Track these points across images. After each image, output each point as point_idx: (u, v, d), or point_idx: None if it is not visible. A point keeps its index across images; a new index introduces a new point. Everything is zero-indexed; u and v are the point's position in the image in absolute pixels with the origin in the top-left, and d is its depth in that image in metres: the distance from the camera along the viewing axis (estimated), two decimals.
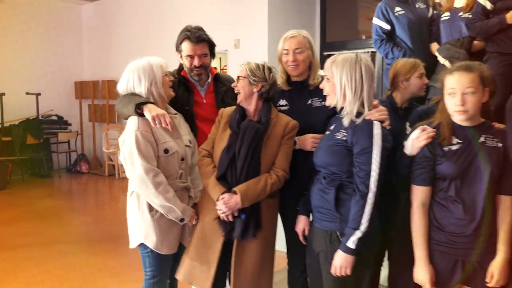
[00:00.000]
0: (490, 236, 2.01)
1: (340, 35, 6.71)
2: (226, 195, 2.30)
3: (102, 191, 7.70)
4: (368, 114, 2.10)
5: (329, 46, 6.83)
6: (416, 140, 2.12)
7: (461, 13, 3.46)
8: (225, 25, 6.46)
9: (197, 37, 2.66)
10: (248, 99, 2.40)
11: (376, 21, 3.69)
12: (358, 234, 2.02)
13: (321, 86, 2.24)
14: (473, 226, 2.00)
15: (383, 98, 2.76)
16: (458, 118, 2.05)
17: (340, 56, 2.14)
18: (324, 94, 2.22)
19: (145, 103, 2.35)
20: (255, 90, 2.38)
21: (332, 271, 2.09)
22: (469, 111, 2.00)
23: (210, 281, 2.36)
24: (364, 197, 2.01)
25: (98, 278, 3.90)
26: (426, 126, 2.13)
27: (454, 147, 2.05)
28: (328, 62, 2.16)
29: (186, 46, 2.69)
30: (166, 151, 2.38)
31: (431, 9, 3.76)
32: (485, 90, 2.03)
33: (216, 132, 2.48)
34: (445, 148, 2.06)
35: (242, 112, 2.42)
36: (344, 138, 2.10)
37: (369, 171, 2.01)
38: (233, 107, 2.50)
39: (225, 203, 2.30)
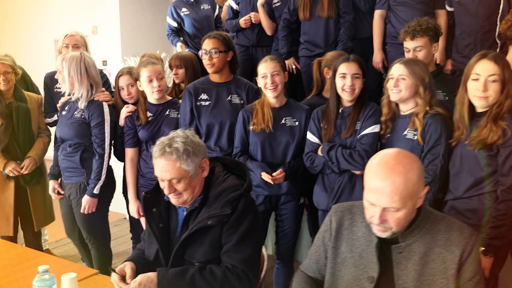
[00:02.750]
0: None
1: None
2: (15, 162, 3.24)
3: None
4: (96, 96, 2.98)
5: None
6: (121, 114, 3.05)
7: None
8: (81, 12, 6.94)
9: None
10: None
11: (168, 18, 4.54)
12: (100, 183, 2.95)
13: (56, 76, 3.05)
14: None
15: None
16: (155, 97, 2.95)
17: (68, 54, 2.94)
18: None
19: None
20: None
21: (82, 210, 2.98)
22: (162, 90, 2.94)
23: (11, 225, 3.26)
24: (102, 156, 2.94)
25: None
26: (129, 104, 3.06)
27: (148, 119, 2.98)
28: (59, 58, 2.94)
29: None
30: None
31: (217, 9, 4.66)
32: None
33: None
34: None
35: None
36: (83, 116, 2.96)
37: (104, 138, 2.95)
38: None
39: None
